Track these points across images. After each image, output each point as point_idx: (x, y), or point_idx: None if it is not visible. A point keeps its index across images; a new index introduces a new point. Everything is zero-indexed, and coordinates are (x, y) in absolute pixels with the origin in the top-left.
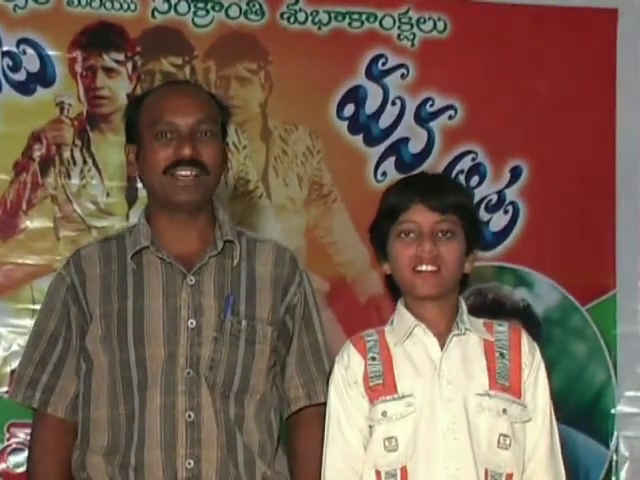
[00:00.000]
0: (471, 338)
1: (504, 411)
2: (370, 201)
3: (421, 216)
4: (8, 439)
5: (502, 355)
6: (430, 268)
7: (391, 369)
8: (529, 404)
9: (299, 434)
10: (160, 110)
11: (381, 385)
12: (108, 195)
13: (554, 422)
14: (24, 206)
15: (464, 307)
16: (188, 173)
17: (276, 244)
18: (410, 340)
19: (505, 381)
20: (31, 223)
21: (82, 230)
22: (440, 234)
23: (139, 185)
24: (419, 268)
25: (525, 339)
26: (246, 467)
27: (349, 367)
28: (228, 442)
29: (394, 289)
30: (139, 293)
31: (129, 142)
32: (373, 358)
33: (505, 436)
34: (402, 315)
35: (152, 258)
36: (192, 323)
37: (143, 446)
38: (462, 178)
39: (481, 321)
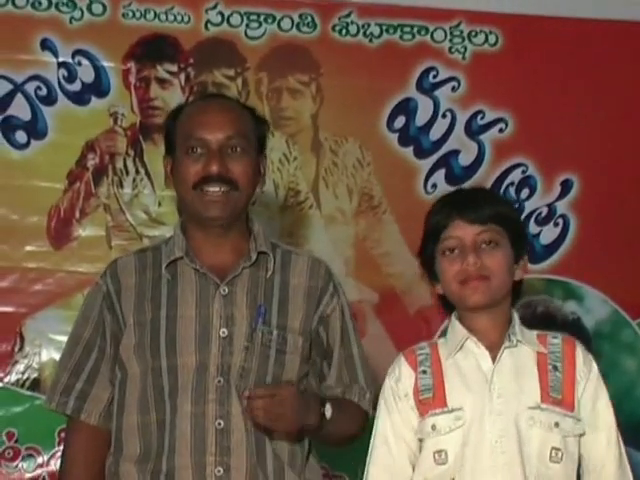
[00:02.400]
0: (523, 350)
1: (556, 424)
2: (420, 213)
3: (461, 231)
4: (59, 444)
5: (555, 368)
6: (477, 280)
7: (441, 382)
8: (587, 418)
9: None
10: (192, 125)
11: (431, 399)
12: (160, 205)
13: (619, 436)
14: (77, 215)
15: (517, 318)
16: (217, 189)
17: (311, 257)
18: (462, 353)
19: (558, 394)
20: (84, 232)
21: (134, 239)
22: (484, 245)
23: None
24: (466, 281)
25: (580, 352)
26: (275, 475)
27: (400, 380)
28: (257, 450)
29: (449, 307)
30: (172, 303)
31: (167, 154)
32: (424, 372)
33: (557, 450)
34: (454, 328)
35: (186, 269)
36: (224, 332)
37: (174, 453)
38: (512, 191)
39: (535, 333)
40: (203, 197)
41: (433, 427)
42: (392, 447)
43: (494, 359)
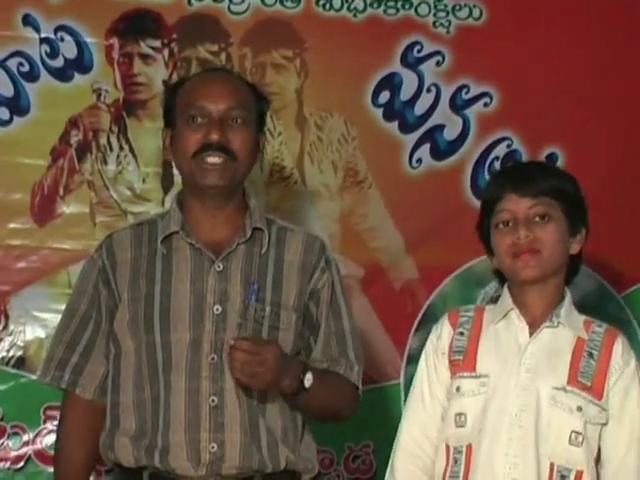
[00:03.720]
0: (564, 332)
1: (579, 409)
2: (405, 187)
3: (514, 204)
4: (44, 421)
5: (591, 355)
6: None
7: (475, 347)
8: (614, 410)
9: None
10: (194, 95)
11: (461, 361)
12: (144, 181)
13: None
14: (61, 191)
15: (569, 298)
16: (216, 160)
17: (306, 233)
18: (504, 322)
19: (587, 381)
20: (68, 208)
21: (118, 215)
22: (537, 218)
23: (175, 171)
24: (518, 254)
25: (620, 344)
26: (269, 451)
27: (440, 337)
28: (251, 426)
29: (503, 281)
30: (167, 278)
31: (166, 127)
32: (461, 333)
33: (577, 433)
34: (504, 297)
35: (182, 243)
36: (218, 309)
37: (168, 430)
38: (497, 165)
39: (582, 317)
40: (202, 165)
41: (458, 389)
42: (426, 402)
43: (532, 335)
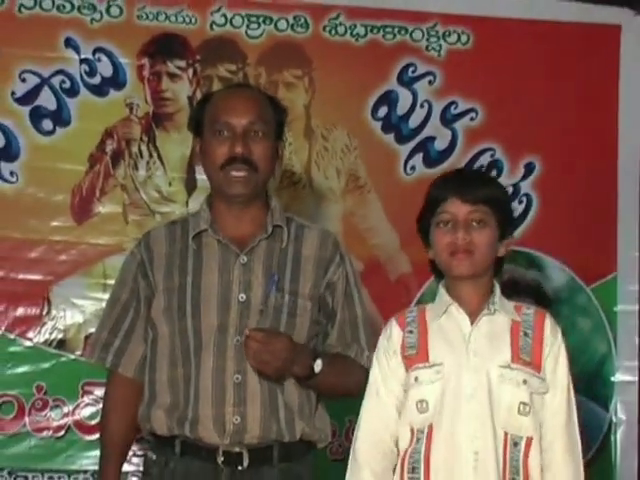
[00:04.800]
0: (500, 318)
1: (524, 382)
2: (400, 192)
3: (456, 208)
4: (82, 396)
5: (526, 334)
6: (464, 253)
7: (425, 341)
8: (548, 378)
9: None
10: (219, 110)
11: (415, 355)
12: (170, 184)
13: (572, 396)
14: (97, 194)
15: (497, 290)
16: (240, 174)
17: (322, 230)
18: (446, 316)
19: (527, 357)
20: (103, 208)
21: (147, 215)
22: (474, 223)
23: (197, 176)
24: (455, 253)
25: (548, 321)
26: (287, 424)
27: (390, 339)
28: (270, 401)
29: (437, 272)
30: (198, 270)
31: (196, 135)
32: (410, 331)
33: (525, 404)
34: (441, 295)
35: (210, 240)
36: (242, 297)
37: (198, 404)
38: None
39: (512, 303)
40: (229, 178)
41: (416, 379)
42: (382, 396)
43: (473, 323)
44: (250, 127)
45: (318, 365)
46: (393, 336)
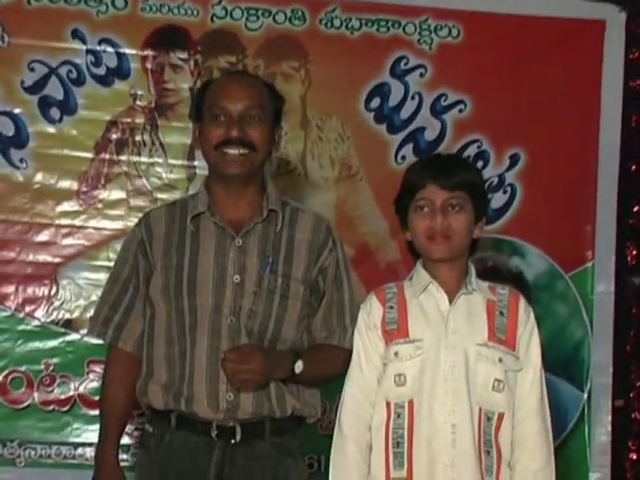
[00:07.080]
0: (476, 297)
1: (500, 360)
2: (391, 181)
3: (434, 194)
4: (87, 373)
5: (502, 313)
6: (442, 238)
7: (405, 317)
8: (522, 357)
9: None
10: (217, 96)
11: (395, 330)
12: (171, 172)
13: (543, 374)
14: (102, 180)
15: (473, 271)
16: (235, 152)
17: (316, 214)
18: (424, 294)
19: (502, 335)
20: (108, 194)
21: (150, 201)
22: (450, 208)
23: (197, 163)
24: (433, 237)
25: (522, 302)
26: (278, 401)
27: (370, 313)
28: None
29: (414, 252)
30: (194, 251)
31: (196, 121)
32: (391, 307)
33: (499, 381)
34: (420, 273)
35: (207, 222)
36: (237, 279)
37: (192, 381)
38: None
39: (487, 284)
40: (224, 157)
41: (396, 354)
42: (364, 369)
43: (451, 302)
44: (246, 112)
45: (299, 367)
46: (373, 310)
